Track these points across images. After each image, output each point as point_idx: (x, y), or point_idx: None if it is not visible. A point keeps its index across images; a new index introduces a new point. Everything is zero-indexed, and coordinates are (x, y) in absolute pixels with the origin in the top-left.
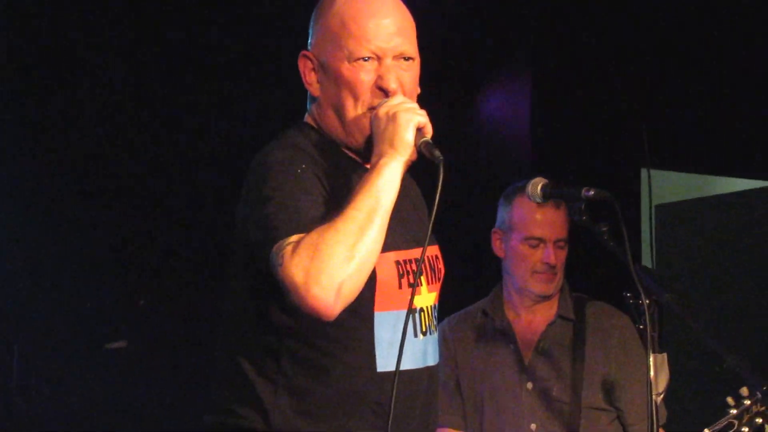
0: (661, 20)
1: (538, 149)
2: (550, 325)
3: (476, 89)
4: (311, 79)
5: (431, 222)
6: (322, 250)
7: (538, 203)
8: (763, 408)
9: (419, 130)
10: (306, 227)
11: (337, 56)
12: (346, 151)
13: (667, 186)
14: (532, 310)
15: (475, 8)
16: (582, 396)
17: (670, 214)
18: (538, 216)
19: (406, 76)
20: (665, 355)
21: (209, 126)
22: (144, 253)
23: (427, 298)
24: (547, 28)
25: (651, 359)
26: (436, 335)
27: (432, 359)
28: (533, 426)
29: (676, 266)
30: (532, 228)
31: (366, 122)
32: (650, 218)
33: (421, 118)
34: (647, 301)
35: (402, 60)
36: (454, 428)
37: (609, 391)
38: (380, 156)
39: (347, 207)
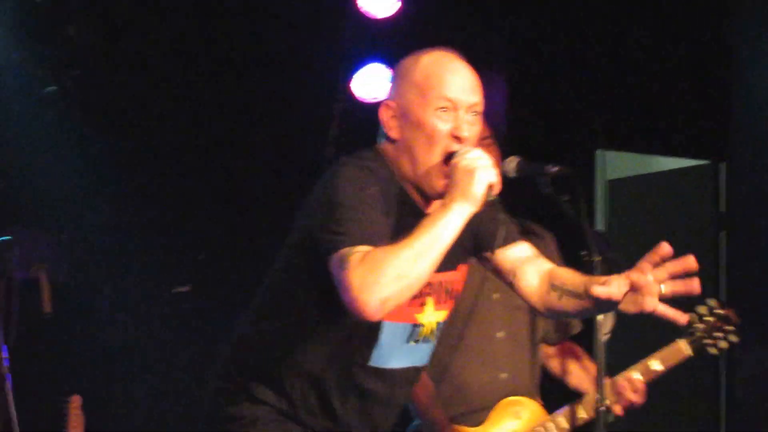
0: (611, 22)
1: (513, 135)
2: None
3: None
4: (392, 125)
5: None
6: (381, 267)
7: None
8: (722, 325)
9: (489, 187)
10: (372, 241)
11: (419, 104)
12: (411, 191)
13: (615, 164)
14: None
15: (462, 21)
16: None
17: (620, 187)
18: None
19: (474, 128)
20: None
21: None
22: (204, 220)
23: (432, 315)
24: (518, 36)
25: None
26: (432, 343)
27: (420, 361)
28: (500, 334)
29: (623, 231)
30: None
31: (436, 170)
32: (603, 190)
33: (493, 177)
34: (598, 258)
35: (472, 113)
36: None
37: None
38: (452, 200)
39: (412, 235)
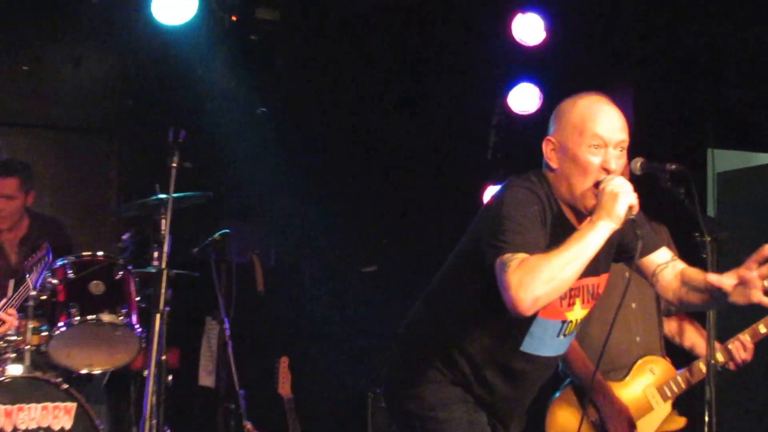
0: (725, 31)
1: (637, 137)
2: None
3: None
4: (552, 156)
5: (628, 286)
6: (535, 270)
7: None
8: None
9: (630, 208)
10: (531, 250)
11: (576, 142)
12: (566, 210)
13: (723, 160)
14: None
15: (596, 47)
16: None
17: (729, 179)
18: None
19: (620, 162)
20: None
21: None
22: (387, 212)
23: (578, 313)
24: (641, 55)
25: None
26: (573, 336)
27: (562, 351)
28: (633, 305)
29: (733, 219)
30: None
31: (589, 193)
32: (713, 182)
33: (634, 200)
34: (709, 239)
35: (620, 149)
36: None
37: None
38: (598, 218)
39: (562, 245)
